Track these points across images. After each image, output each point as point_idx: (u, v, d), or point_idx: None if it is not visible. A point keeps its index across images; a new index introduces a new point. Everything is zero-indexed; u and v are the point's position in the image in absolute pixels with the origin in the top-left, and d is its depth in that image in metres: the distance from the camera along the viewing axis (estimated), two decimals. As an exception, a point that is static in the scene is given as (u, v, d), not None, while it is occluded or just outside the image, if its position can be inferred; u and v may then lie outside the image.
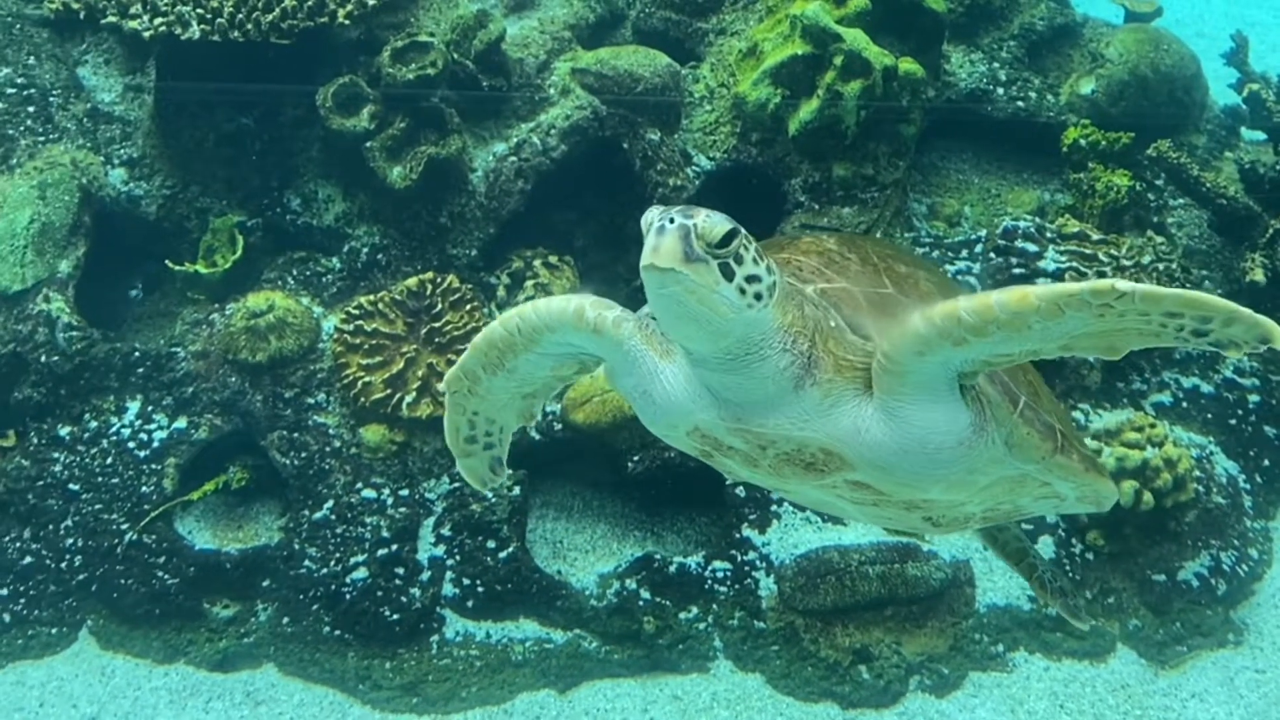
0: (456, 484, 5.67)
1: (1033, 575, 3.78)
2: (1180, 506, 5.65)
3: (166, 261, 6.00)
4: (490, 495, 5.62)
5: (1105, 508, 3.16)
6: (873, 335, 2.62)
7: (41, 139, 6.18)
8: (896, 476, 2.68)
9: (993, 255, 6.28)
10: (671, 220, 2.33)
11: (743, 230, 2.37)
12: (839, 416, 2.59)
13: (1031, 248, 6.21)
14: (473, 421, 3.11)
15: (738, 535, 5.64)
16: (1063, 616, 3.83)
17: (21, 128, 6.18)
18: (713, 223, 2.34)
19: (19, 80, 6.33)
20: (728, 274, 2.35)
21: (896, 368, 2.46)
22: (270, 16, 5.78)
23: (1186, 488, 5.64)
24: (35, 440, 5.63)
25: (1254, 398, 6.12)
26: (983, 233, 6.48)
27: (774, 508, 5.70)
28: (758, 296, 2.41)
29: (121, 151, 6.29)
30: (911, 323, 2.40)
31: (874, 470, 2.66)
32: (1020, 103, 6.89)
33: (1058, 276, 6.08)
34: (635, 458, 5.73)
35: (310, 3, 5.87)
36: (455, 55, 6.26)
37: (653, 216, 2.37)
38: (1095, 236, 6.20)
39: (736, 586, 5.54)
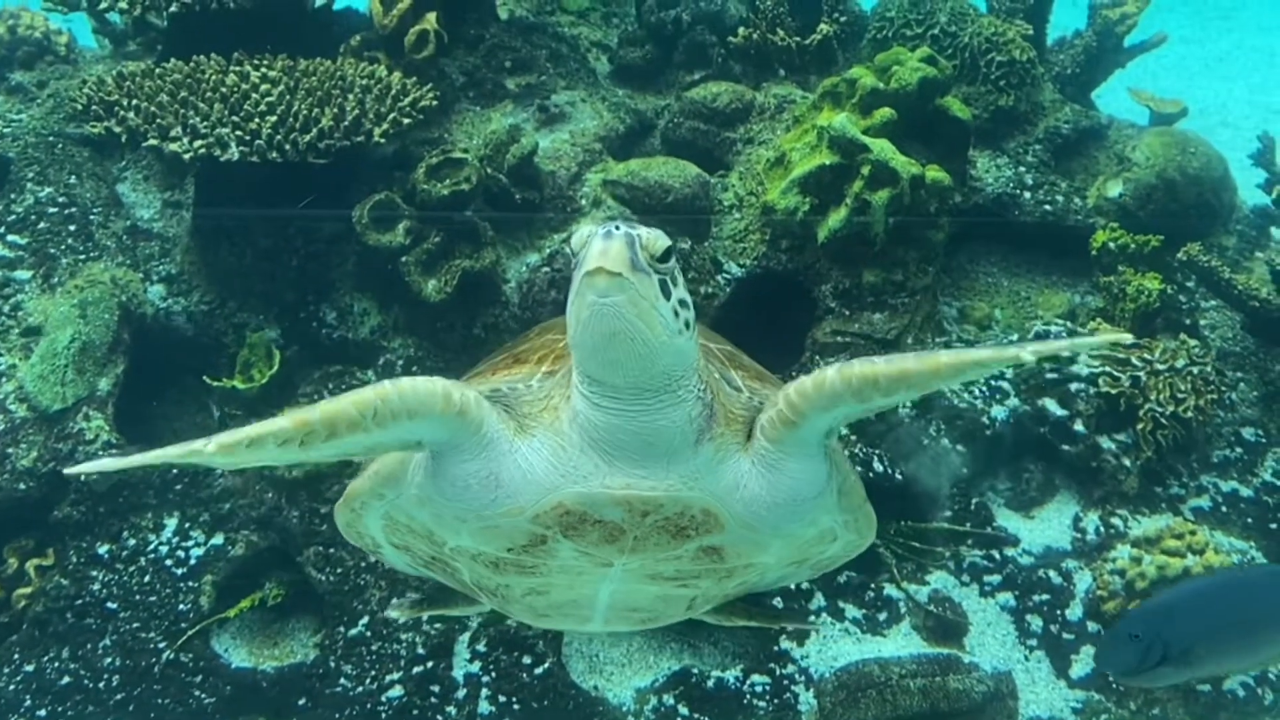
0: (492, 598, 5.69)
1: (752, 615, 3.72)
2: (1224, 615, 5.62)
3: (204, 377, 6.09)
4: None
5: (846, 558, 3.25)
6: (742, 388, 2.74)
7: (82, 257, 6.31)
8: (758, 533, 2.68)
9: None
10: (617, 228, 2.29)
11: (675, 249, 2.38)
12: (724, 473, 2.59)
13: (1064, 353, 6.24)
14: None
15: (776, 648, 5.62)
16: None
17: (63, 246, 6.32)
18: (655, 235, 2.33)
19: (60, 199, 6.49)
20: (665, 292, 2.33)
21: (799, 419, 2.52)
22: (308, 137, 5.93)
23: (1229, 596, 5.61)
24: (74, 559, 5.67)
25: (1294, 501, 6.11)
26: (1014, 337, 6.52)
27: (812, 619, 5.69)
28: (686, 325, 2.40)
29: (160, 268, 6.43)
30: (827, 377, 2.48)
31: (741, 529, 2.65)
32: (1047, 206, 6.97)
33: (1091, 381, 6.12)
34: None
35: (346, 122, 6.02)
36: (488, 170, 6.40)
37: (589, 230, 2.33)
38: (1128, 340, 6.23)
39: (776, 701, 5.51)
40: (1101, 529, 5.97)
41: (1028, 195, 6.98)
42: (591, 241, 2.29)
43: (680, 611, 3.25)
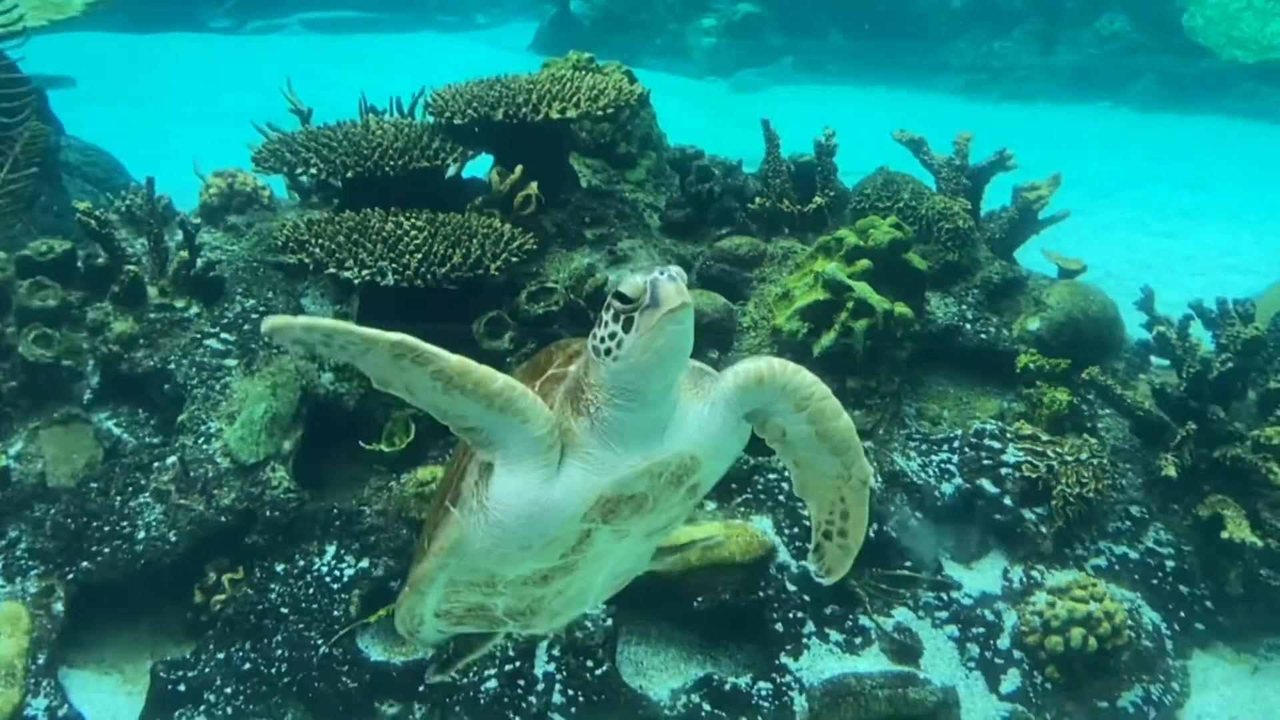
0: (565, 615, 5.66)
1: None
2: (1117, 649, 5.54)
3: (360, 442, 6.16)
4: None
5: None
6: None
7: (274, 351, 6.41)
8: (721, 459, 2.67)
9: (967, 449, 6.31)
10: (667, 271, 2.30)
11: None
12: (690, 420, 2.58)
13: (997, 445, 6.25)
14: None
15: (777, 662, 5.56)
16: None
17: (260, 343, 6.43)
18: (682, 270, 2.37)
19: (260, 308, 6.62)
20: None
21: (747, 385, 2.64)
22: (444, 270, 6.06)
23: (1122, 634, 5.53)
24: (258, 575, 5.70)
25: (1170, 563, 6.01)
26: (958, 432, 6.50)
27: (805, 641, 5.63)
28: None
29: (331, 360, 6.53)
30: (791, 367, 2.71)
31: (711, 460, 2.64)
32: (983, 335, 7.00)
33: (1017, 467, 6.11)
34: (699, 599, 5.70)
35: (471, 260, 6.15)
36: (571, 295, 6.51)
37: (640, 278, 2.29)
38: (1044, 438, 6.23)
39: (776, 703, 5.44)
40: (1024, 579, 5.91)
41: (968, 326, 7.02)
42: (660, 285, 2.28)
43: (644, 564, 3.18)
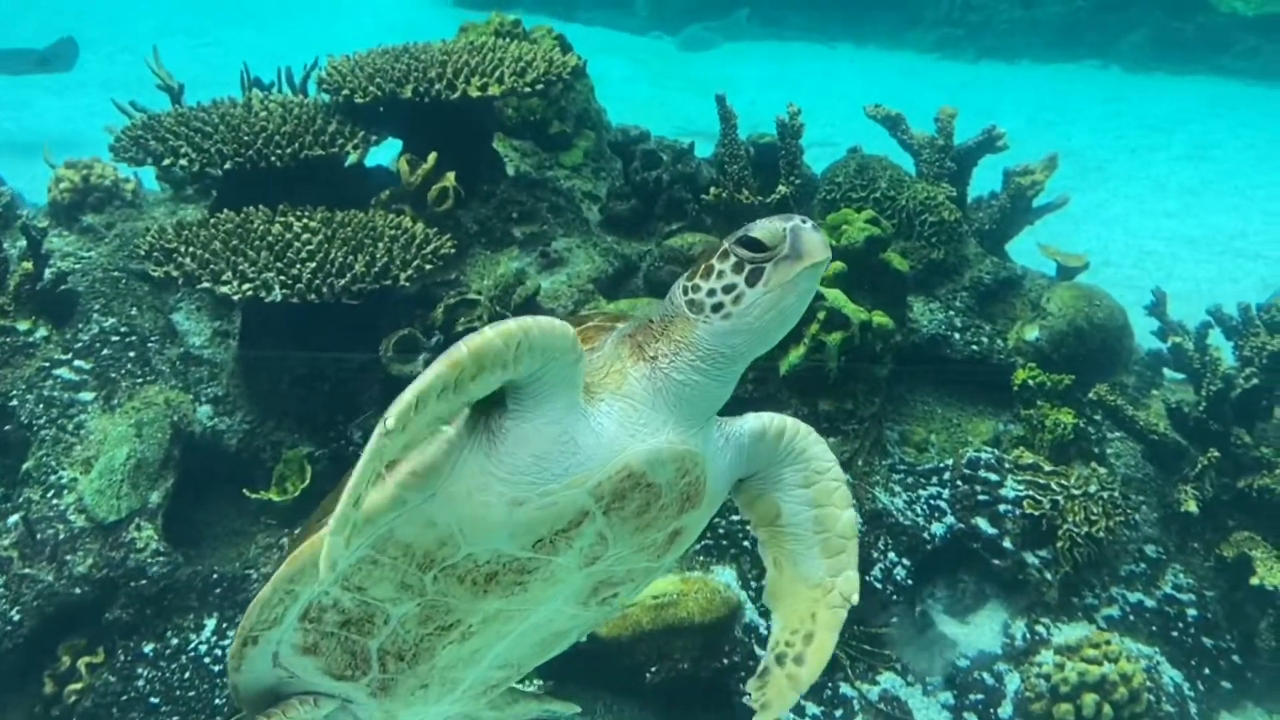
0: (495, 693, 5.34)
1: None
2: (1135, 716, 5.36)
3: (244, 490, 5.77)
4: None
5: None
6: None
7: (139, 380, 6.00)
8: (713, 506, 2.59)
9: (959, 482, 6.10)
10: (808, 220, 2.24)
11: None
12: (710, 436, 2.55)
13: (993, 477, 6.04)
14: None
15: (745, 742, 5.30)
16: None
17: (123, 371, 6.01)
18: None
19: (122, 329, 6.20)
20: None
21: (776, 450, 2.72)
22: (343, 281, 5.69)
23: (1141, 699, 5.35)
24: (122, 657, 5.30)
25: (1192, 611, 5.86)
26: (949, 461, 6.28)
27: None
28: None
29: (208, 390, 6.12)
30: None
31: (711, 499, 2.55)
32: (974, 346, 6.79)
33: (1017, 504, 5.92)
34: (653, 669, 5.42)
35: (376, 269, 5.78)
36: (498, 308, 6.18)
37: (780, 225, 2.22)
38: (1047, 468, 6.04)
39: (745, 791, 5.18)
40: (1028, 635, 5.71)
41: (957, 336, 6.82)
42: (803, 234, 2.20)
43: (548, 653, 2.88)
